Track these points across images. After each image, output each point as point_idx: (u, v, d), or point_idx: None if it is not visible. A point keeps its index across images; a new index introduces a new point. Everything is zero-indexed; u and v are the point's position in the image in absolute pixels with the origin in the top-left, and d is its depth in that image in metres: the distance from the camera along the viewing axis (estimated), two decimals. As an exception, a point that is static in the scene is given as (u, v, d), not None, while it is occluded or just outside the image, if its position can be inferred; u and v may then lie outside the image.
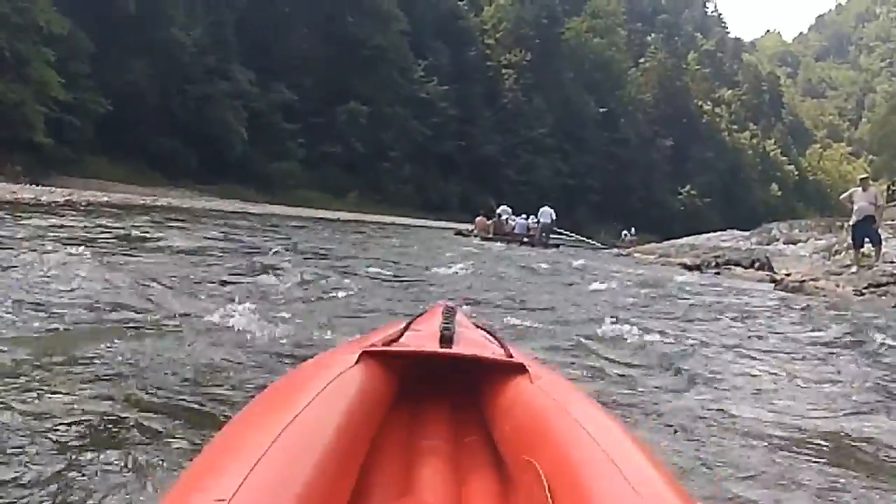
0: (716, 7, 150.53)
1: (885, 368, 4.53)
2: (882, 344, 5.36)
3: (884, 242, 13.24)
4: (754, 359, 4.72)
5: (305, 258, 8.99)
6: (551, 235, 25.86)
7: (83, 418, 2.26)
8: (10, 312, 3.72)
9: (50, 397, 2.43)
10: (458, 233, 27.25)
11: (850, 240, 13.80)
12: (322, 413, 1.13)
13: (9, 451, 1.98)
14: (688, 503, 0.96)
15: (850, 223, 13.06)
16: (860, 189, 12.84)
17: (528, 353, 2.06)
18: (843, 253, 15.88)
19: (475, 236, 25.15)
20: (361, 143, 53.25)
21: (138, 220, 13.74)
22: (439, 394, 1.71)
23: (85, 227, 10.79)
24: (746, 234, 25.79)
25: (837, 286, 11.25)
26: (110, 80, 36.80)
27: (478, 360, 1.60)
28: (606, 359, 4.11)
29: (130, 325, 3.79)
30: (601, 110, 78.62)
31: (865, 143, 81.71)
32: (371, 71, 55.27)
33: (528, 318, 5.39)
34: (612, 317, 5.37)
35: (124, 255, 7.25)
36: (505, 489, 1.29)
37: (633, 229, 39.38)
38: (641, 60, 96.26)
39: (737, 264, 17.43)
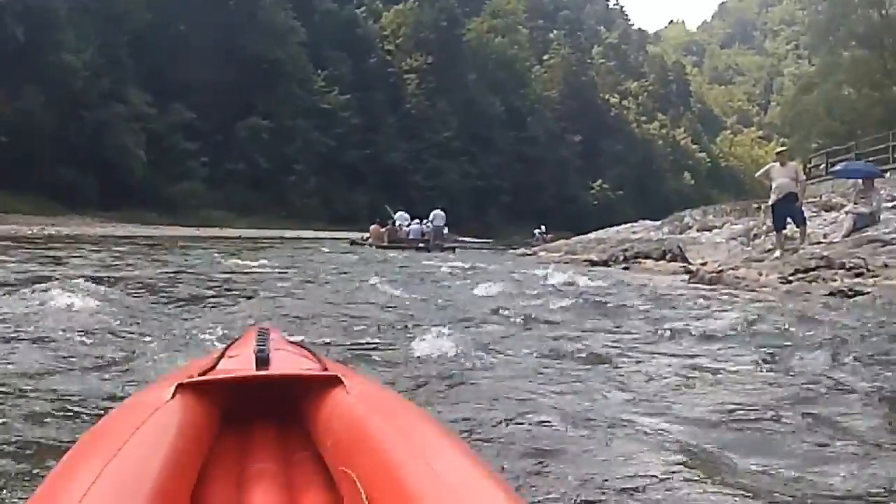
0: (617, 0, 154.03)
1: (809, 368, 3.97)
2: (813, 340, 4.78)
3: (808, 222, 12.15)
4: (638, 365, 4.20)
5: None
6: (453, 240, 25.97)
7: None
8: None
9: None
10: (353, 242, 26.53)
11: (769, 222, 12.60)
12: (143, 452, 1.11)
13: None
14: (506, 493, 0.99)
15: (769, 203, 11.75)
16: (778, 164, 11.56)
17: (345, 366, 2.13)
18: (764, 237, 14.66)
19: (370, 245, 24.84)
20: (265, 158, 53.22)
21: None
22: (265, 416, 1.68)
23: None
24: (657, 223, 24.33)
25: (760, 274, 10.26)
26: (2, 111, 36.53)
27: (293, 378, 1.61)
28: (422, 374, 3.73)
29: None
30: (505, 110, 78.49)
31: (776, 126, 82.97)
32: (271, 85, 55.20)
33: (340, 331, 5.08)
34: (438, 325, 4.82)
35: None
36: (334, 502, 1.28)
37: (543, 227, 37.82)
38: (545, 57, 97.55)
39: (647, 256, 16.39)
